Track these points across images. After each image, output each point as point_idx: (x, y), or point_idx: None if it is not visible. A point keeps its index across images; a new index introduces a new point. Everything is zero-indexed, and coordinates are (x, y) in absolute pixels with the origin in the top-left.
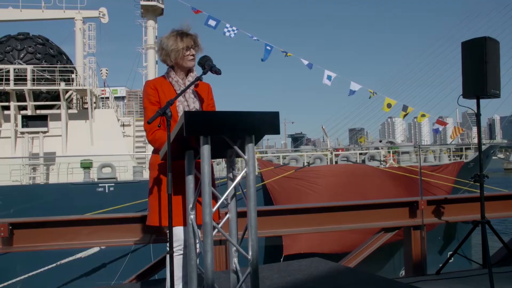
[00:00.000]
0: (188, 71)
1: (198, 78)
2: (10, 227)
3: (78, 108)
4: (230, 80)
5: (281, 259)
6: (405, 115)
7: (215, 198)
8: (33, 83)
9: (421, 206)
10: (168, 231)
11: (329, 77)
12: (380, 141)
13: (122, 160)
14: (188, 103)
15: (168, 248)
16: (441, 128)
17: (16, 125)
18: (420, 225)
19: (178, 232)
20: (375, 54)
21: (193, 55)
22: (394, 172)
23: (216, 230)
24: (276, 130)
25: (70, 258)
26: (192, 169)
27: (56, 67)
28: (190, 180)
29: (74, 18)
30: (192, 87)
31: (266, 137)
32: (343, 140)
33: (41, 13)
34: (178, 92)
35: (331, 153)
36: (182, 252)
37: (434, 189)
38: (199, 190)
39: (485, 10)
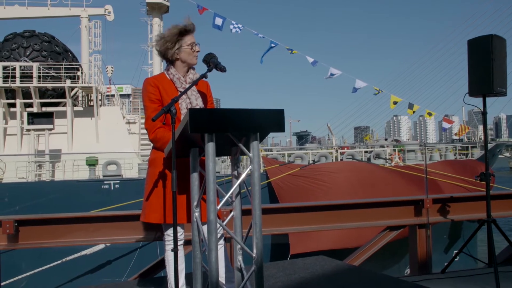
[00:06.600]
0: (189, 67)
1: (203, 75)
2: (16, 224)
3: (84, 106)
4: (235, 78)
5: (288, 258)
6: (413, 112)
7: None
8: (39, 81)
9: (427, 204)
10: (167, 228)
11: (332, 75)
12: (386, 139)
13: (128, 158)
14: (190, 100)
15: (166, 245)
16: (448, 126)
17: (22, 122)
18: (425, 224)
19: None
20: (381, 53)
21: (198, 51)
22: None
23: (220, 227)
24: (281, 128)
25: (76, 255)
26: (197, 166)
27: (62, 65)
28: (194, 177)
29: (79, 15)
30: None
31: (271, 135)
32: (349, 138)
33: (47, 11)
34: (180, 89)
35: (336, 151)
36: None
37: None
38: (203, 187)
39: (491, 8)
